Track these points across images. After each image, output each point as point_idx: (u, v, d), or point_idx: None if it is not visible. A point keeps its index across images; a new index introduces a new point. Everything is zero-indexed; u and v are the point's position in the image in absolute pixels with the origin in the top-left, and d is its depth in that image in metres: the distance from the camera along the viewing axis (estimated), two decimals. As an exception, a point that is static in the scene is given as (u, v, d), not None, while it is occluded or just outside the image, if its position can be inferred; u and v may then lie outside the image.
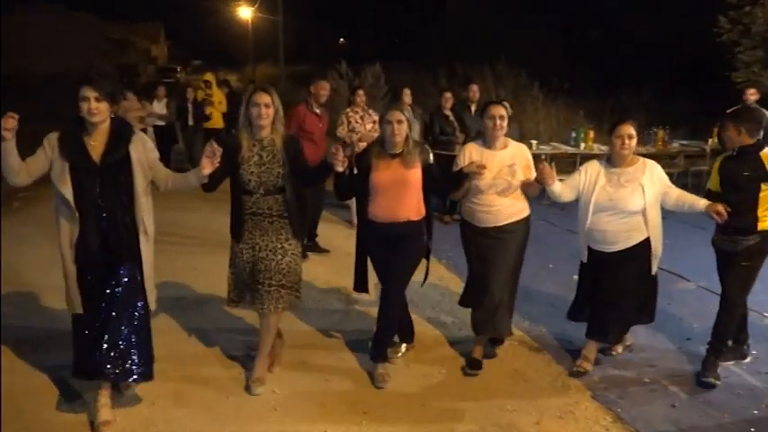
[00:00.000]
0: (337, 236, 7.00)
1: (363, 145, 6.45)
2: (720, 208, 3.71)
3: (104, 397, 3.37)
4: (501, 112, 3.95)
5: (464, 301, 4.32)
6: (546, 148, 9.60)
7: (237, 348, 4.29)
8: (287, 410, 3.60)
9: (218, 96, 11.23)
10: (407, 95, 7.67)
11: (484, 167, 3.82)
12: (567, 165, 8.86)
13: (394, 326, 4.05)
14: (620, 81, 16.01)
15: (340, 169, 3.54)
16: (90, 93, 3.10)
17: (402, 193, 3.80)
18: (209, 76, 11.70)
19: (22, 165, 3.11)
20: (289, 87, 20.98)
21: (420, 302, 5.02)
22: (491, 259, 4.02)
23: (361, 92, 7.12)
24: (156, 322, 4.53)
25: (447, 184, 4.09)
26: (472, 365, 4.09)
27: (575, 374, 4.04)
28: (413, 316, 4.43)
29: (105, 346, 3.23)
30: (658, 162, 4.10)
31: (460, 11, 24.08)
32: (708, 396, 3.84)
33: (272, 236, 3.66)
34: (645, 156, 4.18)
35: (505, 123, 3.96)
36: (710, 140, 9.47)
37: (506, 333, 4.20)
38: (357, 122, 6.89)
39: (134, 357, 3.31)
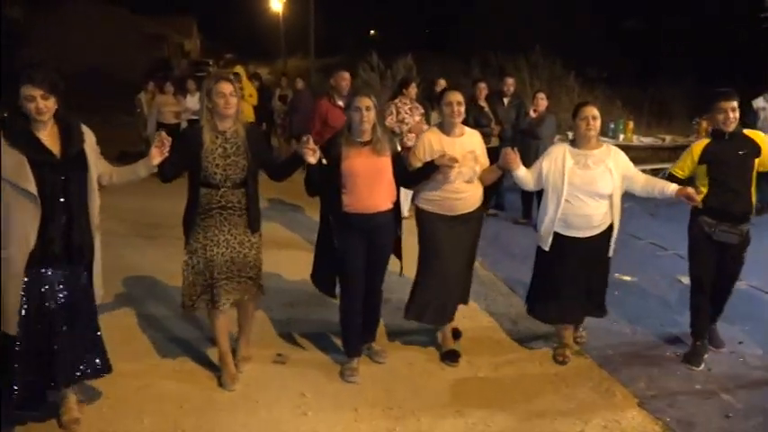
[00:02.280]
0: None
1: (413, 136, 6.41)
2: (691, 192, 3.74)
3: (72, 395, 3.34)
4: (459, 98, 3.91)
5: (416, 306, 4.07)
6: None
7: (267, 350, 4.17)
8: (318, 415, 3.47)
9: (249, 89, 11.16)
10: (440, 86, 7.53)
11: (456, 161, 3.75)
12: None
13: (380, 310, 4.12)
14: (659, 70, 15.52)
15: (312, 161, 3.44)
16: (35, 92, 2.90)
17: (377, 182, 3.71)
18: (238, 69, 11.66)
19: None
20: (319, 79, 20.88)
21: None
22: (457, 245, 4.03)
23: (413, 85, 7.09)
24: (183, 324, 4.49)
25: (417, 176, 3.91)
26: (452, 357, 4.09)
27: (560, 363, 4.06)
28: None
29: (63, 356, 3.11)
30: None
31: (495, 0, 23.64)
32: (764, 405, 3.59)
33: (240, 230, 3.60)
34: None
35: (463, 109, 3.93)
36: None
37: (466, 301, 4.33)
38: (407, 113, 6.82)
39: (94, 356, 3.27)
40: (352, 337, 3.95)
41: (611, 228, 3.94)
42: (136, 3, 40.28)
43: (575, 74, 13.65)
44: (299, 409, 3.52)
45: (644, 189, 3.93)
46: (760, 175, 3.97)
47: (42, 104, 2.93)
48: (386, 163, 3.73)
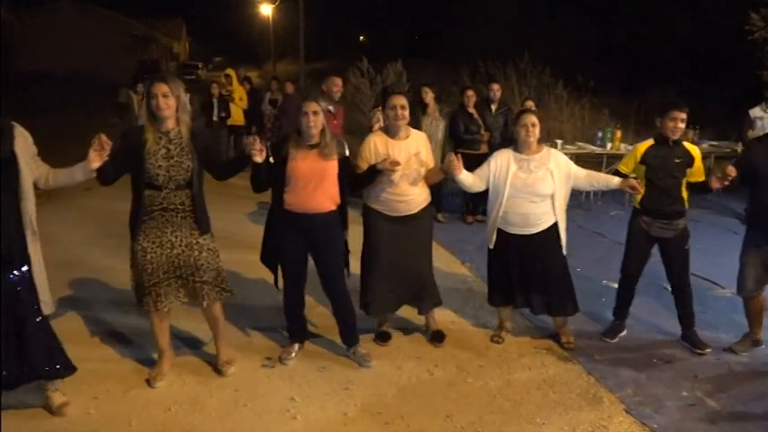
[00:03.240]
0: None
1: None
2: (634, 182, 4.07)
3: (51, 386, 3.40)
4: (402, 101, 4.06)
5: (361, 299, 4.25)
6: (571, 148, 9.36)
7: (256, 354, 4.17)
8: (308, 420, 3.47)
9: (240, 92, 11.16)
10: (426, 94, 7.53)
11: (398, 164, 3.92)
12: (594, 165, 8.53)
13: (353, 311, 4.15)
14: (646, 80, 15.67)
15: (259, 160, 3.55)
16: None
17: (320, 184, 3.82)
18: (230, 71, 11.65)
19: None
20: (309, 84, 20.88)
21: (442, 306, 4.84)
22: (407, 243, 4.17)
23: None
24: (172, 326, 4.46)
25: (361, 180, 4.06)
26: (384, 337, 4.37)
27: (566, 348, 4.33)
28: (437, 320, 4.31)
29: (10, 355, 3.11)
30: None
31: (484, 8, 23.78)
32: (749, 412, 3.63)
33: (185, 231, 3.57)
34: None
35: (407, 113, 4.06)
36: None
37: (439, 302, 4.44)
38: None
39: (49, 358, 3.27)
40: (293, 325, 4.16)
41: (555, 226, 4.16)
42: (125, 4, 40.17)
43: (563, 82, 13.74)
44: (289, 413, 3.52)
45: (588, 182, 4.26)
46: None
47: None
48: (331, 166, 3.85)
